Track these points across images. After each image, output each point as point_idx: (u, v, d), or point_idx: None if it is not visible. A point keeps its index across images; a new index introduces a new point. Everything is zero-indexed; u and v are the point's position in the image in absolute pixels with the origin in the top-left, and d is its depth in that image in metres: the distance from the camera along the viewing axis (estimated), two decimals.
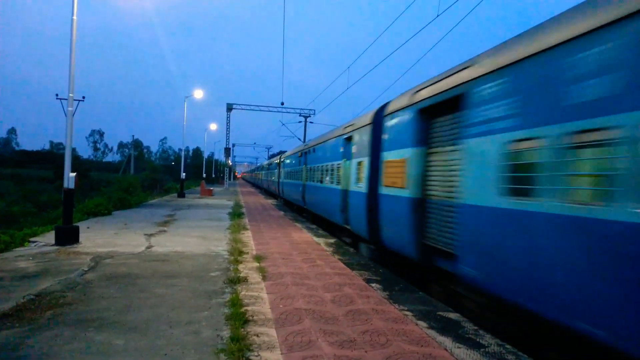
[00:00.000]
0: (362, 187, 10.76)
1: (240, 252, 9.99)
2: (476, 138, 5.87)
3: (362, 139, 11.29)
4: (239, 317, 5.54)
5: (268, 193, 44.56)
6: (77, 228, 10.92)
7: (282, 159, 32.28)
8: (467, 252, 5.94)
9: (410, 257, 7.97)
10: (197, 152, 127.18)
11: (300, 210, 21.73)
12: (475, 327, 5.80)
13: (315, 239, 13.16)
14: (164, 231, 13.46)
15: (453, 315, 6.25)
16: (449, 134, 6.96)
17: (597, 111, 3.99)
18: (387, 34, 20.13)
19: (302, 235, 13.77)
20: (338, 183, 13.53)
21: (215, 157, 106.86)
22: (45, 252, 9.61)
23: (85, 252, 9.66)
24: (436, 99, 7.18)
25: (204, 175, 56.99)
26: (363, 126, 11.30)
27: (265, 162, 58.77)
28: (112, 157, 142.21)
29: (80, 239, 10.99)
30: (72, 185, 10.72)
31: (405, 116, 8.38)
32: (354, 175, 11.67)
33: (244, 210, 22.45)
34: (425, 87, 7.79)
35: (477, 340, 5.34)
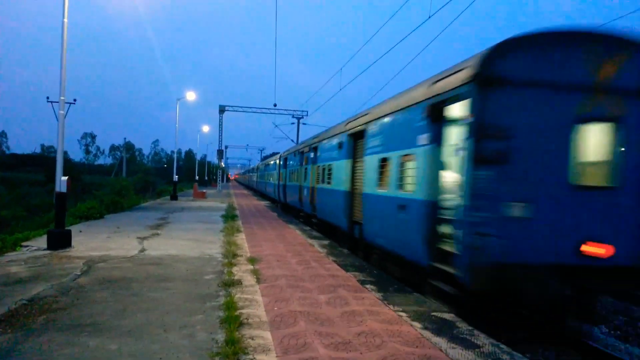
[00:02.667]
0: (278, 181, 27.12)
1: (234, 255, 9.97)
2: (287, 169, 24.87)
3: (278, 162, 28.03)
4: (233, 320, 5.52)
5: (261, 195, 44.51)
6: (70, 232, 10.84)
7: (258, 167, 50.10)
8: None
9: (278, 201, 28.00)
10: (190, 154, 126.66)
11: (286, 209, 24.69)
12: (470, 328, 5.83)
13: (309, 240, 13.16)
14: (157, 234, 13.40)
15: (448, 316, 6.28)
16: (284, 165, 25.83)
17: (397, 147, 8.36)
18: (380, 35, 20.18)
19: (296, 237, 13.77)
20: (275, 180, 29.53)
21: (208, 159, 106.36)
22: (37, 257, 9.52)
23: (77, 256, 9.59)
24: (284, 156, 25.94)
25: (197, 177, 56.80)
26: (279, 158, 27.90)
27: (256, 165, 59.43)
28: (104, 159, 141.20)
29: (73, 243, 10.91)
30: (64, 189, 10.64)
31: (281, 159, 26.80)
32: (277, 176, 28.07)
33: (237, 212, 22.39)
34: (285, 152, 26.28)
35: (472, 340, 5.36)
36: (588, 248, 5.92)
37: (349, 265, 9.58)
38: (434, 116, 6.85)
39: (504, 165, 5.75)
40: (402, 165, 8.06)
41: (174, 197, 32.25)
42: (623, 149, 5.99)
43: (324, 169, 14.71)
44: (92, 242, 11.55)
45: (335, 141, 13.32)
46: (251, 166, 75.85)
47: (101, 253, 9.96)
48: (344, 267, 9.25)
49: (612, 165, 6.06)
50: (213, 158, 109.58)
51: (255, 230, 15.23)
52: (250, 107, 46.66)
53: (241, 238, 13.00)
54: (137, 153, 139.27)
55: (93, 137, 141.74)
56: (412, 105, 7.65)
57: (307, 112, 45.53)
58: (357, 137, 11.04)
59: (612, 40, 6.03)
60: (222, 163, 69.35)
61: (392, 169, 8.50)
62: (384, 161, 9.01)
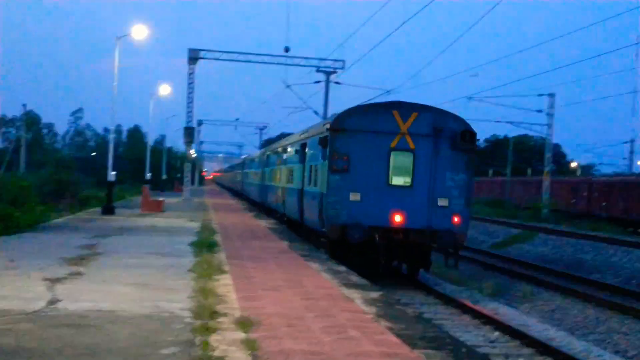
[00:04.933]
0: (263, 182, 45.39)
1: (213, 313, 9.97)
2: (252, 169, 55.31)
3: (256, 161, 55.22)
4: None
5: (257, 205, 44.85)
6: None
7: (245, 162, 71.35)
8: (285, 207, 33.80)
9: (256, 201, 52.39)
10: (136, 134, 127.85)
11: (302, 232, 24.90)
12: None
13: (345, 290, 13.12)
14: (80, 274, 13.55)
15: None
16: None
17: (311, 160, 23.91)
18: None
19: (321, 283, 13.81)
20: (259, 180, 47.87)
21: (169, 144, 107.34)
22: None
23: None
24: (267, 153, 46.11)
25: (149, 175, 57.27)
26: (256, 156, 56.42)
27: (256, 154, 59.13)
28: None
29: None
30: None
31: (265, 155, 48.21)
32: (256, 177, 52.57)
33: (217, 237, 22.57)
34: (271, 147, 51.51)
35: None
36: (395, 217, 18.51)
37: (416, 337, 9.43)
38: (323, 144, 19.68)
39: (345, 173, 18.62)
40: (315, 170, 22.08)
41: (109, 210, 32.76)
42: (415, 166, 18.59)
43: (312, 168, 27.81)
44: None
45: (294, 148, 28.72)
46: (247, 157, 75.56)
47: None
48: (407, 340, 9.11)
49: (410, 174, 18.58)
50: (177, 143, 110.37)
51: (250, 269, 15.31)
52: (242, 53, 46.95)
53: (225, 283, 13.09)
54: (45, 131, 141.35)
55: None
56: (315, 135, 22.15)
57: (344, 62, 45.19)
58: (303, 146, 25.27)
59: (410, 105, 19.40)
60: (193, 151, 69.58)
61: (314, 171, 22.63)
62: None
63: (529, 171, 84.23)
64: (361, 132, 18.20)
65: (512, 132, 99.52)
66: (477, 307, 16.86)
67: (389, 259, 19.20)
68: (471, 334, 14.39)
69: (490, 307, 17.49)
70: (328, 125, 19.01)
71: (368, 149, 18.06)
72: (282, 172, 32.43)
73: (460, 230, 18.16)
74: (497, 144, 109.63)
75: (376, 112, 18.92)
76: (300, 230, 25.95)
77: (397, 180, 18.04)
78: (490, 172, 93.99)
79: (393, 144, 18.08)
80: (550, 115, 56.08)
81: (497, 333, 14.79)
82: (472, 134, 18.49)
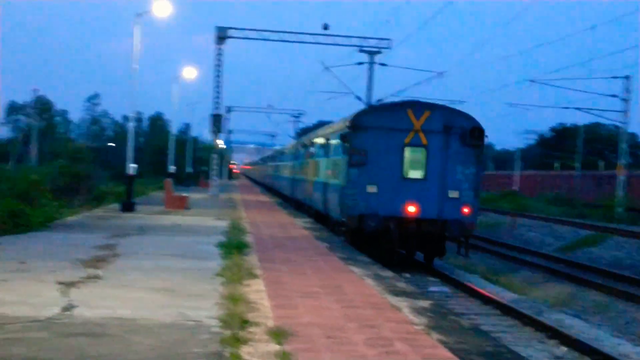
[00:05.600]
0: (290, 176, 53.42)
1: (244, 322, 10.00)
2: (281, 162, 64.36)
3: (286, 153, 62.17)
4: None
5: (288, 201, 44.94)
6: None
7: (275, 154, 78.09)
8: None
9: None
10: (158, 122, 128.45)
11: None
12: None
13: (391, 297, 13.10)
14: (97, 277, 13.66)
15: None
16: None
17: (334, 154, 29.31)
18: None
19: (364, 290, 13.82)
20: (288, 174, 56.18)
21: (194, 134, 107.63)
22: None
23: None
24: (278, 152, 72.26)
25: (172, 168, 57.41)
26: (287, 149, 63.75)
27: (286, 147, 59.81)
28: None
29: None
30: None
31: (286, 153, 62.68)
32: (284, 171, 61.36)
33: (248, 237, 22.73)
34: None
35: None
36: (409, 208, 22.65)
37: (473, 351, 9.38)
38: (343, 140, 24.63)
39: (363, 167, 23.04)
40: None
41: (129, 207, 32.96)
42: (427, 160, 23.15)
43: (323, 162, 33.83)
44: None
45: (327, 141, 32.56)
46: (277, 149, 77.63)
47: None
48: (462, 355, 9.06)
49: (423, 168, 23.20)
50: (203, 133, 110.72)
51: (285, 273, 15.39)
52: (275, 32, 46.96)
53: (257, 289, 13.11)
54: (58, 118, 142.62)
55: None
56: (337, 131, 27.16)
57: (391, 41, 45.15)
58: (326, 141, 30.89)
59: (423, 105, 24.61)
60: (221, 141, 69.70)
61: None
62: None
63: (602, 164, 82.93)
64: (378, 129, 22.63)
65: (582, 119, 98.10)
66: (540, 319, 16.61)
67: (409, 249, 23.76)
68: (534, 349, 14.27)
69: (556, 319, 17.27)
70: (348, 123, 23.73)
71: (384, 145, 22.44)
72: (310, 165, 37.18)
73: (469, 219, 22.65)
74: (565, 134, 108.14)
75: (392, 111, 23.98)
76: (326, 222, 30.31)
77: (411, 174, 22.64)
78: (557, 165, 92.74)
79: (407, 140, 22.50)
80: (625, 100, 55.27)
81: (564, 348, 14.63)
82: (481, 131, 22.95)
